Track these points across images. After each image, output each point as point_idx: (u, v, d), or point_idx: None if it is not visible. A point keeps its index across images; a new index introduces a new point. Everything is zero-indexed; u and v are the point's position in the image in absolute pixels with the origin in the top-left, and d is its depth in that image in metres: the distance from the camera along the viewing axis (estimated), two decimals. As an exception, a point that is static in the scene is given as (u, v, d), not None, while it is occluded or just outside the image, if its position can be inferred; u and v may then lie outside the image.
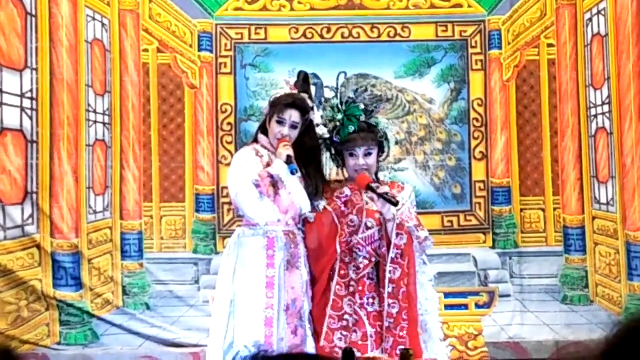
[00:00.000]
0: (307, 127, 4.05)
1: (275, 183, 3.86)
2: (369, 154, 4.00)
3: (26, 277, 6.01)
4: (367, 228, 3.90)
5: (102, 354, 6.20)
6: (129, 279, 6.41)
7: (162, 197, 6.57)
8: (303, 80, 4.14)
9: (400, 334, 3.81)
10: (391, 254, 3.82)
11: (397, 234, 3.82)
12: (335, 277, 3.92)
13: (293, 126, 3.96)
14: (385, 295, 3.82)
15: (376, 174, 4.10)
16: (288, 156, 3.83)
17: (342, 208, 3.99)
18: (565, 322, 6.42)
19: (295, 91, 4.05)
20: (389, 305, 3.82)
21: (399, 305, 3.83)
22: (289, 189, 3.88)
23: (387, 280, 3.81)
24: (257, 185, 3.80)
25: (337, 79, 4.30)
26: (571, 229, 6.54)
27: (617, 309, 6.29)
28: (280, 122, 3.95)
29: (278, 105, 3.97)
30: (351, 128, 4.00)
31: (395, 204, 3.77)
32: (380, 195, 3.78)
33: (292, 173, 3.82)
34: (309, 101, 4.04)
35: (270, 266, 3.89)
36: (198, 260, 6.54)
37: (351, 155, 4.00)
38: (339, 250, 3.91)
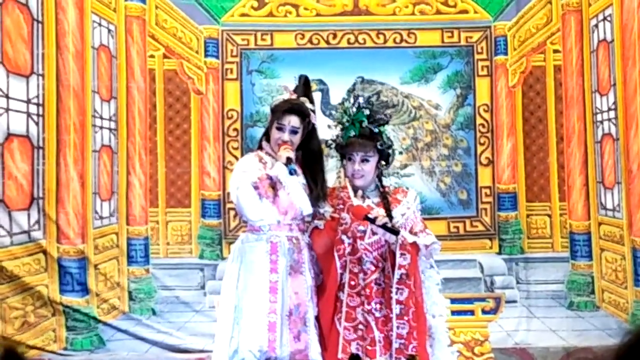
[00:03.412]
0: (310, 133, 4.04)
1: (274, 185, 3.85)
2: (366, 160, 3.97)
3: (33, 283, 6.03)
4: (373, 234, 3.88)
5: (108, 359, 6.21)
6: (135, 285, 6.43)
7: (168, 203, 6.59)
8: (304, 84, 4.13)
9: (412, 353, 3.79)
10: (396, 276, 3.80)
11: (401, 254, 3.80)
12: (346, 289, 3.89)
13: (293, 131, 3.95)
14: (394, 316, 3.79)
15: (381, 180, 4.08)
16: (288, 158, 3.83)
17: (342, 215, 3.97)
18: (572, 328, 6.41)
19: (294, 96, 4.05)
20: (398, 326, 3.79)
21: (408, 326, 3.79)
22: (288, 190, 3.87)
23: (393, 302, 3.79)
24: (256, 188, 3.80)
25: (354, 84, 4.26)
26: (577, 235, 6.54)
27: (624, 315, 6.27)
28: (279, 129, 3.95)
29: (277, 112, 3.98)
30: (352, 132, 3.98)
31: (397, 233, 3.76)
32: (380, 227, 3.76)
33: (291, 174, 3.81)
34: (309, 105, 4.03)
35: (273, 271, 3.88)
36: (204, 266, 6.55)
37: (349, 159, 3.99)
38: (338, 265, 3.90)
